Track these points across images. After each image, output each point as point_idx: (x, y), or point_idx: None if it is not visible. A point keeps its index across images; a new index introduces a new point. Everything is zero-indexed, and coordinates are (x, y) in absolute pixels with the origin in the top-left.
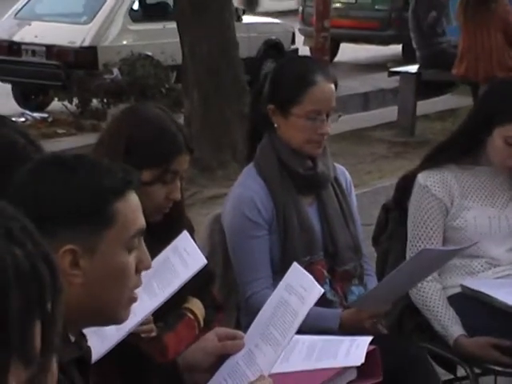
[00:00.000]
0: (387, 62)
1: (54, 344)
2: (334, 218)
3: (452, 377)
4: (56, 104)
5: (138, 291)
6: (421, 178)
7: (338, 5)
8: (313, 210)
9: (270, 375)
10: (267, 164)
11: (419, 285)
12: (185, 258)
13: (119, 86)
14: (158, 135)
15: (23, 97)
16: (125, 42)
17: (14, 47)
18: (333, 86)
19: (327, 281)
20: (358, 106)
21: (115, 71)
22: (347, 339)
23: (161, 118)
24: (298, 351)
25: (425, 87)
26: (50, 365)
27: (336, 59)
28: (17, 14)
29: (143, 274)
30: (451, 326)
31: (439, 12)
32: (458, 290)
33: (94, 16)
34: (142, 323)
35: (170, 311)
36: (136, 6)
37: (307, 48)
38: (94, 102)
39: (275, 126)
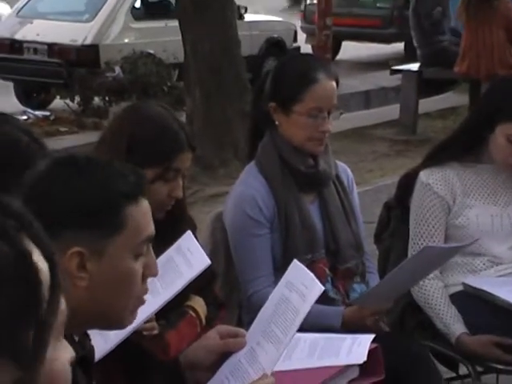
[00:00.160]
0: (389, 60)
1: (47, 343)
2: (336, 215)
3: (454, 375)
4: (58, 102)
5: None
6: (423, 175)
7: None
8: (314, 208)
9: (272, 373)
10: (269, 162)
11: (421, 283)
12: (188, 257)
13: (121, 84)
14: (159, 133)
15: (25, 95)
16: (127, 40)
17: (15, 45)
18: (334, 83)
19: (329, 279)
20: (360, 104)
21: (117, 69)
22: (349, 337)
23: (163, 116)
24: (300, 349)
25: (426, 85)
26: (43, 364)
27: (338, 57)
28: (19, 12)
29: None
30: (453, 323)
31: (444, 7)
32: (460, 288)
33: (96, 14)
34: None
35: (172, 309)
36: (138, 4)
37: (309, 46)
38: (96, 100)
39: (277, 123)
